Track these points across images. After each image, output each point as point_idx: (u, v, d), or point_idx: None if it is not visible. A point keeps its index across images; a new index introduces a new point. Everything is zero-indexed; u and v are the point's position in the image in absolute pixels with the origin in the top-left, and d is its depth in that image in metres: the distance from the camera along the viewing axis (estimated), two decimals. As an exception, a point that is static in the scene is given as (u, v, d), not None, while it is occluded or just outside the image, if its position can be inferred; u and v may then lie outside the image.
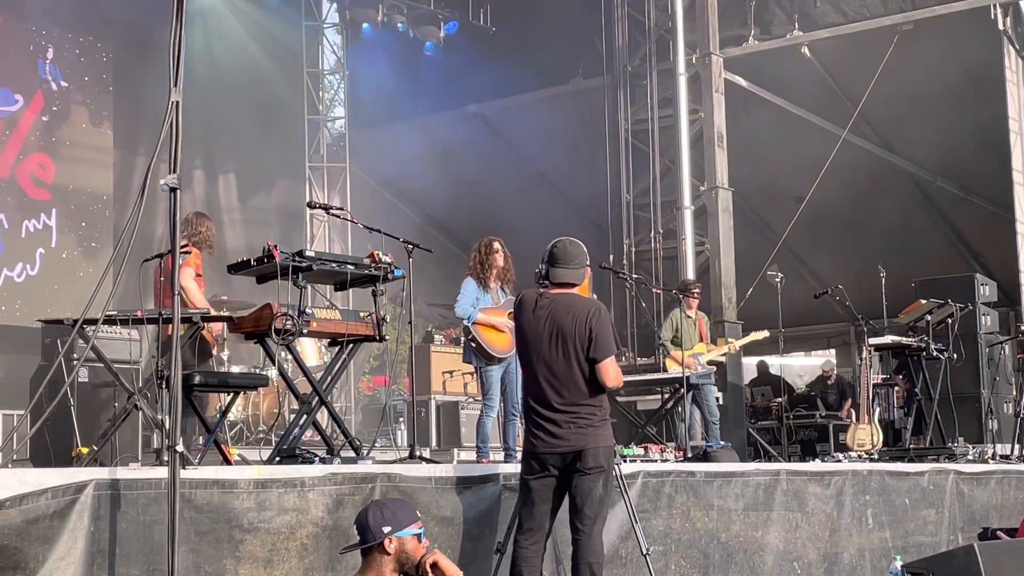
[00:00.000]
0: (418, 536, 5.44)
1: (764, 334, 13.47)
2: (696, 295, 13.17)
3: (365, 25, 18.34)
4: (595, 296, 10.55)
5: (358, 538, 5.46)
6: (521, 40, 18.68)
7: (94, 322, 6.72)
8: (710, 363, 13.16)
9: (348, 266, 8.29)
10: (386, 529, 5.36)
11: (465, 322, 9.54)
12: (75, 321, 7.11)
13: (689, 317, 12.95)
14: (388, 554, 5.36)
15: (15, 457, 9.15)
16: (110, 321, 7.47)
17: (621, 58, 18.30)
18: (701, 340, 13.03)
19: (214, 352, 10.43)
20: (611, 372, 6.83)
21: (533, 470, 6.86)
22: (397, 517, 5.41)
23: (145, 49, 15.43)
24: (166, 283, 8.90)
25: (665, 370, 12.68)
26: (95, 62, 16.70)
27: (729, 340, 13.24)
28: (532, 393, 6.93)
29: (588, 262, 7.14)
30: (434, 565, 5.40)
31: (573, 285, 6.97)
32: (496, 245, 9.82)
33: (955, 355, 13.49)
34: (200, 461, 7.36)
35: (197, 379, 7.96)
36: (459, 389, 15.08)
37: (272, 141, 19.80)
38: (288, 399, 12.54)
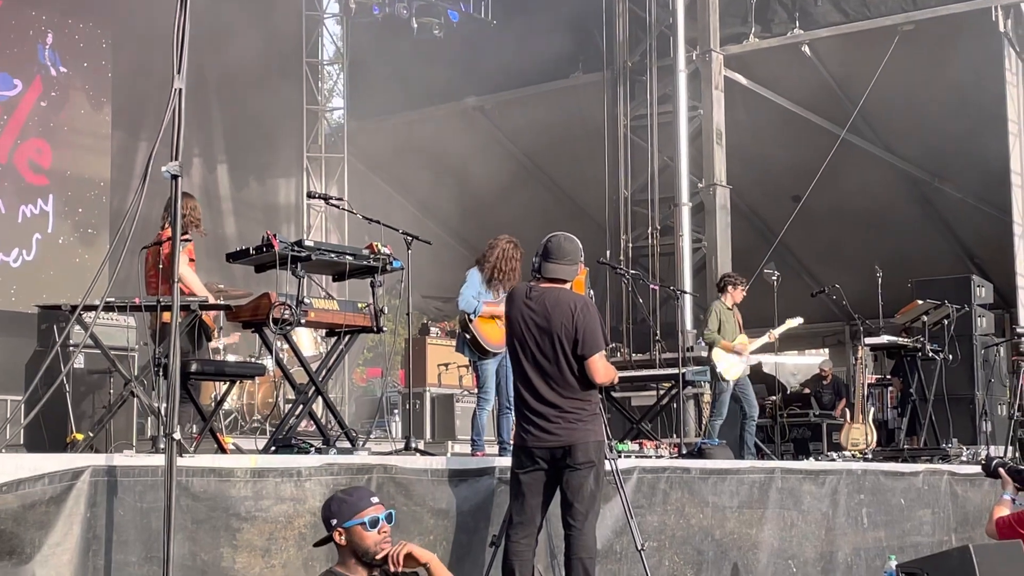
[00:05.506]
0: (365, 524, 5.31)
1: (799, 320, 13.37)
2: (741, 286, 13.09)
3: (374, 8, 18.25)
4: (592, 292, 10.49)
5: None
6: (521, 34, 18.65)
7: (93, 308, 6.70)
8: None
9: (347, 256, 8.27)
10: (333, 522, 5.34)
11: (468, 316, 9.44)
12: (73, 307, 7.09)
13: (730, 309, 12.90)
14: (343, 546, 5.34)
15: (9, 442, 9.16)
16: (108, 308, 7.45)
17: (621, 54, 18.30)
18: (740, 332, 12.98)
19: (214, 336, 10.43)
20: (600, 368, 6.81)
21: (523, 464, 6.85)
22: (342, 509, 5.36)
23: (145, 36, 15.39)
24: (157, 272, 8.90)
25: (711, 362, 12.58)
26: (95, 48, 16.67)
27: (769, 330, 13.16)
28: (521, 387, 6.92)
29: (583, 258, 7.12)
30: (408, 556, 5.36)
31: (564, 281, 6.95)
32: (518, 256, 9.57)
33: (950, 356, 13.49)
34: (195, 449, 7.35)
35: (194, 367, 7.95)
36: (454, 382, 15.08)
37: (270, 131, 19.81)
38: (283, 388, 12.58)
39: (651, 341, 15.39)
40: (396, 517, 5.61)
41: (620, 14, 18.29)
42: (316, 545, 5.68)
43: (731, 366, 12.57)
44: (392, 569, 5.32)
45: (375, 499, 5.45)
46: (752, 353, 12.99)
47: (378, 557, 5.31)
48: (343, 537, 5.32)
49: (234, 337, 13.23)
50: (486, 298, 9.53)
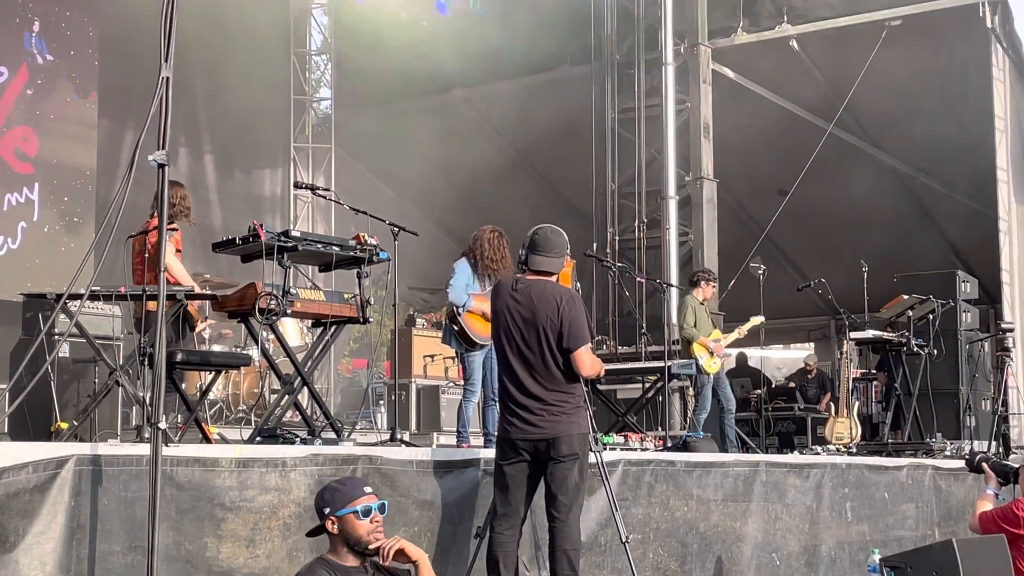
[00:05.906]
0: (358, 512, 5.33)
1: (761, 319, 13.44)
2: (712, 283, 13.21)
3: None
4: (578, 284, 10.50)
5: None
6: (509, 25, 18.62)
7: (78, 297, 6.69)
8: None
9: (334, 247, 8.26)
10: (326, 510, 5.36)
11: (458, 309, 9.42)
12: (58, 296, 7.07)
13: (702, 304, 12.98)
14: (335, 535, 5.36)
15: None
16: (94, 297, 7.42)
17: (609, 46, 18.27)
18: (713, 326, 13.06)
19: (197, 326, 10.41)
20: (586, 361, 6.83)
21: (507, 456, 6.87)
22: (336, 497, 5.38)
23: (132, 24, 15.31)
24: (143, 261, 8.88)
25: (691, 357, 12.63)
26: (81, 36, 16.57)
27: (738, 326, 13.26)
28: (506, 380, 6.94)
29: (569, 251, 7.14)
30: (399, 551, 5.36)
31: (551, 273, 6.97)
32: (504, 244, 9.51)
33: (935, 351, 13.52)
34: (180, 439, 7.33)
35: (179, 357, 7.93)
36: (440, 373, 15.04)
37: (257, 121, 19.74)
38: (269, 379, 12.56)
39: (637, 334, 15.39)
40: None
41: (608, 7, 18.26)
42: (309, 535, 5.68)
43: (711, 359, 12.65)
44: (381, 562, 5.33)
45: (368, 489, 5.47)
46: (730, 346, 13.07)
47: (371, 547, 5.32)
48: (336, 526, 5.34)
49: (225, 331, 13.24)
50: (474, 289, 9.52)
